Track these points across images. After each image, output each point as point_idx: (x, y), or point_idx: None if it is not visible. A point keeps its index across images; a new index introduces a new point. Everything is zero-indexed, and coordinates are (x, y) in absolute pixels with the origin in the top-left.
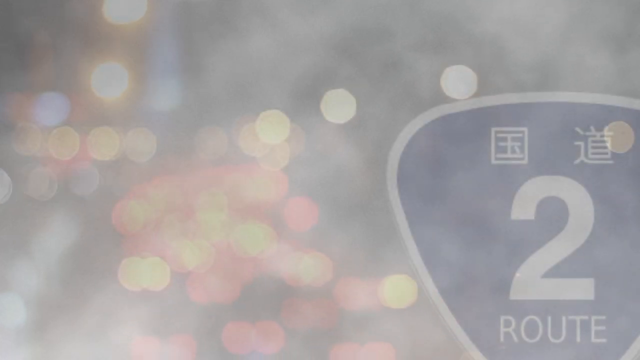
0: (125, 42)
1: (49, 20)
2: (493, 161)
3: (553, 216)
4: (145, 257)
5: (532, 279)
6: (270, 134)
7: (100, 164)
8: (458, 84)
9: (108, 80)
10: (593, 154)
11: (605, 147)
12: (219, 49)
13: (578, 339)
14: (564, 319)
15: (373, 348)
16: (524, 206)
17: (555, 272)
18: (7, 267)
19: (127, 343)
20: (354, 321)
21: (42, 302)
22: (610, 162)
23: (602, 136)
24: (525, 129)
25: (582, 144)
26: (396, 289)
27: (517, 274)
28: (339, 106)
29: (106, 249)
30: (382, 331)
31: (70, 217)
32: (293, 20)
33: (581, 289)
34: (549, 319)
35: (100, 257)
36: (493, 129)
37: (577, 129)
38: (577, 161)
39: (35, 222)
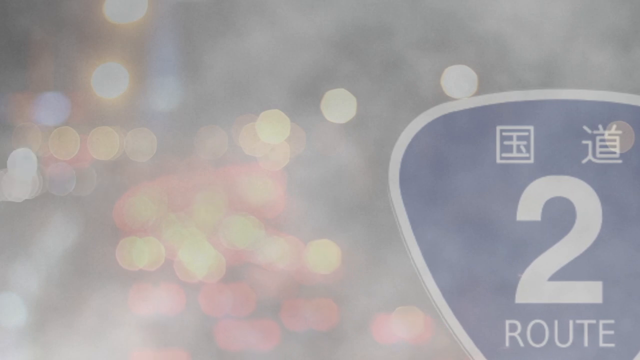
0: (126, 42)
1: (50, 21)
2: (498, 160)
3: (560, 217)
4: (142, 237)
5: (538, 282)
6: (270, 134)
7: (100, 164)
8: (460, 82)
9: (108, 80)
10: (601, 153)
11: (614, 146)
12: (219, 48)
13: (586, 344)
14: (571, 323)
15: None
16: (529, 207)
17: (562, 274)
18: (7, 266)
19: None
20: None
21: (42, 300)
22: (619, 161)
23: (611, 135)
24: (531, 128)
25: (589, 142)
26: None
27: (519, 275)
28: (339, 105)
29: (106, 247)
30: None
31: (70, 216)
32: (293, 19)
33: (589, 292)
34: (556, 323)
35: (100, 256)
36: (498, 128)
37: (585, 128)
38: (584, 160)
39: (35, 221)
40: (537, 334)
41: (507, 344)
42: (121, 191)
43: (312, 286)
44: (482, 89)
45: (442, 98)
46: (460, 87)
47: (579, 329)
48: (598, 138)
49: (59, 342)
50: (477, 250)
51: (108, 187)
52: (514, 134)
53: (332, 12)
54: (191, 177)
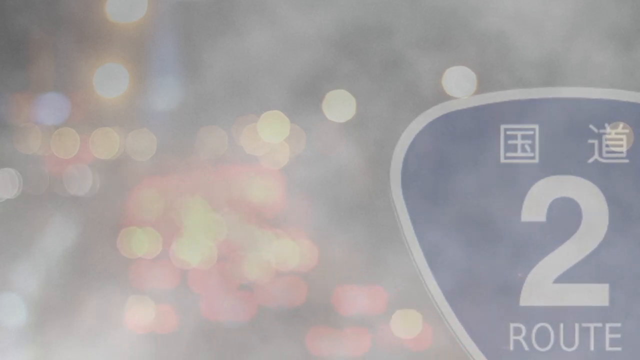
0: (126, 42)
1: (50, 21)
2: (502, 160)
3: (565, 218)
4: (142, 227)
5: (543, 284)
6: (270, 133)
7: (101, 164)
8: (461, 82)
9: (109, 80)
10: (607, 152)
11: (621, 146)
12: (219, 48)
13: (592, 347)
14: (577, 326)
15: None
16: (534, 207)
17: (568, 276)
18: (7, 266)
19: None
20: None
21: (42, 300)
22: (626, 161)
23: (617, 134)
24: (536, 127)
25: (596, 142)
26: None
27: (519, 275)
28: (340, 105)
29: (106, 247)
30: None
31: (70, 216)
32: (293, 19)
33: (595, 294)
34: (561, 326)
35: (100, 255)
36: (502, 127)
37: (591, 127)
38: (590, 160)
39: (36, 220)
40: (542, 337)
41: (511, 347)
42: (121, 191)
43: (307, 284)
44: (483, 88)
45: (443, 98)
46: (461, 87)
47: (585, 332)
48: (605, 137)
49: (58, 342)
50: (480, 252)
51: (108, 187)
52: (519, 133)
53: (332, 12)
54: (191, 177)
